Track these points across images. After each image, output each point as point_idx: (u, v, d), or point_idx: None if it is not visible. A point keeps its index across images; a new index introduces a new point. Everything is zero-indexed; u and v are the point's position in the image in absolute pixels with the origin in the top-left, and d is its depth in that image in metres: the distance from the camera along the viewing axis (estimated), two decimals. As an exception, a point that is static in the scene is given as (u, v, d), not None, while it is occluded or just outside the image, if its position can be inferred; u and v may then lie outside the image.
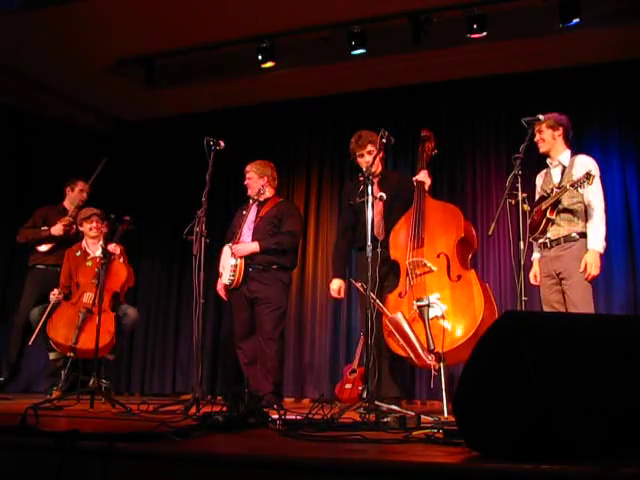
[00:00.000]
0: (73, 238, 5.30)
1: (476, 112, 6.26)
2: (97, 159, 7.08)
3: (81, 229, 5.19)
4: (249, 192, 4.88)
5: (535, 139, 4.09)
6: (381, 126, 4.38)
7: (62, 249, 5.22)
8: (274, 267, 4.65)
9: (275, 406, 4.13)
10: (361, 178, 3.83)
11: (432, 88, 6.21)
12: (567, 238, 3.92)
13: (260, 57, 5.67)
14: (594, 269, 3.84)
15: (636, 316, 4.88)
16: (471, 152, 6.22)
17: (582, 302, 3.83)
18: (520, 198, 3.44)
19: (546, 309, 3.98)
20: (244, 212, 4.83)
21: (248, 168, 4.91)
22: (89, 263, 4.92)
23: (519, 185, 3.45)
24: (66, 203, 5.47)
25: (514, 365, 1.67)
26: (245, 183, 4.91)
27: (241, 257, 4.57)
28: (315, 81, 6.35)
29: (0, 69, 6.03)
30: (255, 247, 4.61)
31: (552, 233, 3.97)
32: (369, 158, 4.30)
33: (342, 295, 4.63)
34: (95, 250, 5.07)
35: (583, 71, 5.85)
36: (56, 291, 4.92)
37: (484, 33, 5.15)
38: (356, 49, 5.45)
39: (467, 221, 4.25)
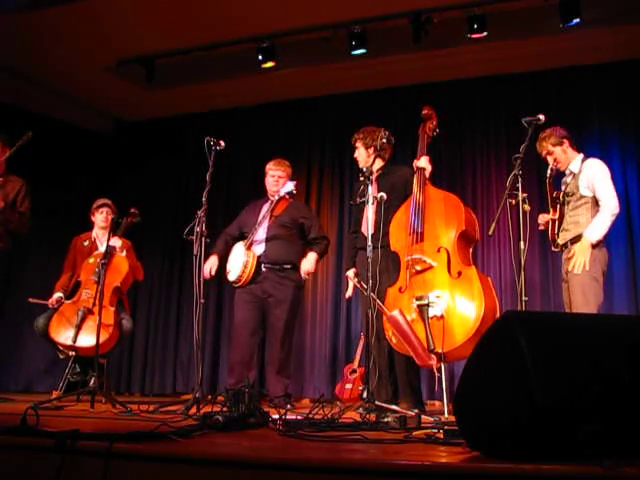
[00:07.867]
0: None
1: (476, 112, 6.26)
2: (97, 159, 7.10)
3: (92, 219, 5.15)
4: (274, 191, 4.72)
5: (551, 164, 4.06)
6: (381, 126, 4.40)
7: None
8: (288, 266, 4.59)
9: (289, 406, 4.08)
10: (362, 178, 3.81)
11: (432, 88, 6.21)
12: (573, 240, 3.92)
13: (260, 57, 5.69)
14: (580, 257, 3.80)
15: (636, 316, 4.87)
16: (471, 152, 6.22)
17: (579, 303, 3.80)
18: (520, 198, 3.44)
19: (566, 310, 3.98)
20: (256, 209, 4.74)
21: (275, 168, 4.76)
22: (91, 260, 4.88)
23: (519, 185, 3.45)
24: None
25: (514, 365, 1.66)
26: (274, 183, 4.73)
27: (308, 273, 4.61)
28: (315, 81, 6.35)
29: (0, 69, 6.03)
30: (315, 256, 4.65)
31: (561, 238, 4.01)
32: (357, 153, 4.40)
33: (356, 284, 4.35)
34: (104, 242, 5.03)
35: (583, 71, 5.85)
36: (57, 296, 4.79)
37: (484, 33, 5.17)
38: (356, 49, 5.46)
39: (468, 209, 4.09)
